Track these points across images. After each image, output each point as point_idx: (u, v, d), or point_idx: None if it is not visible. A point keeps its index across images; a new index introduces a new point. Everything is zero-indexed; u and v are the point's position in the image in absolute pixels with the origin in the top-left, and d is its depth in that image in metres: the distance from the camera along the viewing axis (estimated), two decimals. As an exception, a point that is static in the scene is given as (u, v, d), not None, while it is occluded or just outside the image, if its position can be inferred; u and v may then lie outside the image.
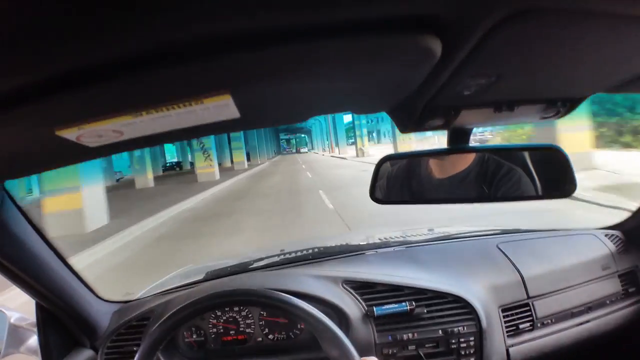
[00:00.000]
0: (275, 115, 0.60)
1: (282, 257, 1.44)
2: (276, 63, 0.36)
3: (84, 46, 0.29)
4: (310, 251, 1.44)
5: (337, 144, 39.85)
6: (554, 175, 0.88)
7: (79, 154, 0.55)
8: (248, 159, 32.83)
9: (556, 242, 1.33)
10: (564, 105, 0.64)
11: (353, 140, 35.83)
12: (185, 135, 0.53)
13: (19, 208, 0.84)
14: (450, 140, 0.84)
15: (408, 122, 0.67)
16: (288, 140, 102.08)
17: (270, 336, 1.12)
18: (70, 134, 0.41)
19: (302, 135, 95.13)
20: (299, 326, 1.12)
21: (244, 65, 0.35)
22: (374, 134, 67.60)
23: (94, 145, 0.47)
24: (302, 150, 76.27)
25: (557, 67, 0.49)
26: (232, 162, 28.58)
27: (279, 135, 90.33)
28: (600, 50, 0.44)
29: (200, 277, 1.36)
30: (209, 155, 18.36)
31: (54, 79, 0.32)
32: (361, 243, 1.55)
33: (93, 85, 0.33)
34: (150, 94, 0.38)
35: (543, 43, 0.40)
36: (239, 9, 0.28)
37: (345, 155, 32.70)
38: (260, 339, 1.12)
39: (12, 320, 1.01)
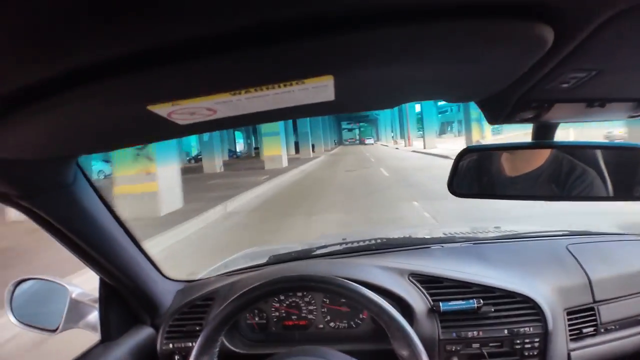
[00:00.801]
0: (367, 100, 0.60)
1: (344, 246, 1.44)
2: (383, 45, 0.35)
3: (187, 20, 0.28)
4: (374, 242, 1.43)
5: (405, 135, 37.10)
6: (633, 177, 0.86)
7: (166, 131, 0.55)
8: (297, 150, 32.10)
9: (626, 246, 1.28)
10: None
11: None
12: (275, 117, 0.53)
13: (92, 184, 0.85)
14: (536, 135, 0.83)
15: (499, 114, 0.65)
16: (351, 130, 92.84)
17: (332, 324, 1.13)
18: (162, 109, 0.41)
19: (367, 125, 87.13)
20: (360, 316, 1.12)
21: (349, 46, 0.34)
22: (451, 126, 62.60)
23: (184, 122, 0.46)
24: (367, 141, 61.81)
25: None
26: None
27: (341, 123, 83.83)
28: None
29: (263, 260, 1.39)
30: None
31: (152, 52, 0.31)
32: (426, 237, 1.53)
33: (193, 61, 0.32)
34: (253, 74, 0.37)
35: None
36: None
37: (434, 149, 22.83)
38: (321, 325, 1.14)
39: (73, 295, 1.04)
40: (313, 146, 31.79)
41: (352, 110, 0.64)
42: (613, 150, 0.91)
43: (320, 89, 0.41)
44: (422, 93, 0.58)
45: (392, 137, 64.80)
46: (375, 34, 0.32)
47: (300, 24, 0.30)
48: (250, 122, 0.55)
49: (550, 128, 0.82)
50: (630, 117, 0.70)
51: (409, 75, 0.45)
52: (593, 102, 0.61)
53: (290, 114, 0.53)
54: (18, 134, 0.44)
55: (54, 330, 1.03)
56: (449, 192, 0.96)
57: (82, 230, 0.86)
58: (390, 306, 0.86)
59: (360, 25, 0.31)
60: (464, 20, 0.32)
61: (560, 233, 1.40)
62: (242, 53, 0.32)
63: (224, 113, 0.45)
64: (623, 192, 0.87)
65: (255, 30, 0.30)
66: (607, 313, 1.10)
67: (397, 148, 35.95)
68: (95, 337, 1.04)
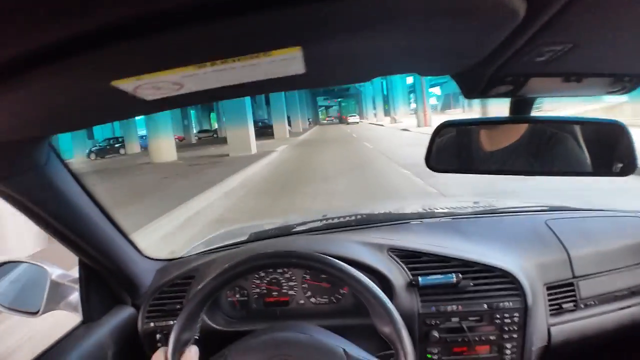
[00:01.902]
0: (339, 73, 0.58)
1: (324, 222, 1.45)
2: (352, 15, 0.34)
3: None
4: (354, 217, 1.43)
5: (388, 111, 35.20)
6: (612, 153, 0.85)
7: (133, 107, 0.55)
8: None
9: (604, 223, 1.30)
10: (631, 80, 0.64)
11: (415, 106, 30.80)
12: (245, 91, 0.53)
13: (65, 164, 0.84)
14: (513, 110, 0.83)
15: (474, 88, 0.65)
16: (329, 107, 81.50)
17: (313, 299, 1.14)
18: (127, 85, 0.40)
19: (348, 100, 76.75)
20: (341, 291, 1.13)
21: (318, 16, 0.33)
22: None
23: (150, 98, 0.45)
24: (351, 119, 48.02)
25: (633, 40, 0.49)
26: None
27: (316, 99, 71.24)
28: None
29: (244, 238, 1.38)
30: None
31: (114, 27, 0.30)
32: (405, 212, 1.54)
33: (157, 34, 0.31)
34: (219, 45, 0.36)
35: (624, 13, 0.41)
36: None
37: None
38: (302, 301, 1.15)
39: (53, 277, 1.03)
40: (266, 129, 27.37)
41: (324, 84, 0.64)
42: (591, 126, 0.91)
43: (289, 61, 0.41)
44: (395, 66, 0.58)
45: (373, 113, 57.88)
46: (343, 3, 0.31)
47: None
48: (219, 97, 0.54)
49: (527, 103, 0.82)
50: (608, 93, 0.70)
51: (381, 47, 0.44)
52: (569, 76, 0.61)
53: (261, 88, 0.52)
54: None
55: (36, 313, 1.03)
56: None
57: (58, 212, 0.85)
58: (370, 281, 0.87)
59: None
60: None
61: (540, 208, 1.41)
62: (206, 25, 0.31)
63: (191, 87, 0.44)
64: (602, 168, 0.88)
65: (219, 0, 0.30)
66: (586, 288, 1.12)
67: (381, 124, 33.94)
68: (77, 318, 1.04)
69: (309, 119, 52.77)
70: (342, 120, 58.78)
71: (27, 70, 0.34)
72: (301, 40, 0.37)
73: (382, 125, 33.21)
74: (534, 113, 0.83)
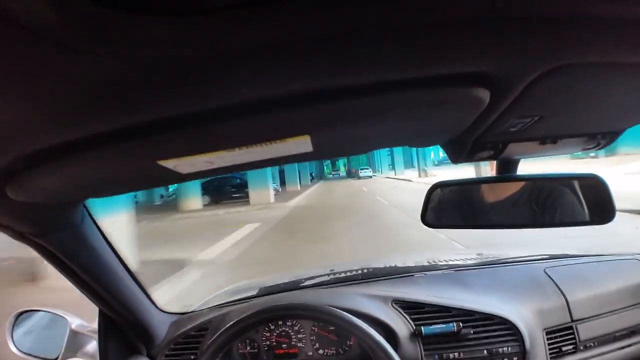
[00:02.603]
0: (342, 149, 0.70)
1: (332, 276, 1.49)
2: (351, 112, 0.44)
3: (193, 94, 0.36)
4: (360, 272, 1.48)
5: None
6: (594, 202, 0.92)
7: (169, 178, 0.62)
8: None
9: (601, 267, 1.32)
10: (604, 137, 0.70)
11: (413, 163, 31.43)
12: (261, 164, 0.61)
13: (96, 223, 0.91)
14: (499, 170, 0.91)
15: (459, 155, 0.72)
16: (334, 162, 71.48)
17: (321, 351, 1.16)
18: (169, 164, 0.50)
19: None
20: (348, 343, 1.15)
21: (323, 114, 0.43)
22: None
23: (186, 172, 0.55)
24: (362, 172, 40.36)
25: (594, 108, 0.55)
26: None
27: None
28: (630, 93, 0.51)
29: (254, 293, 1.42)
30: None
31: (164, 120, 0.39)
32: (409, 265, 1.57)
33: (197, 127, 0.41)
34: (244, 136, 0.46)
35: (579, 90, 0.47)
36: (321, 72, 0.35)
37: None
38: (310, 353, 1.16)
39: (73, 326, 1.08)
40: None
41: (330, 157, 0.73)
42: (573, 180, 0.96)
43: (300, 144, 0.50)
44: (389, 142, 0.67)
45: (389, 166, 45.26)
46: (338, 105, 0.41)
47: (281, 98, 0.39)
48: (240, 169, 0.62)
49: (512, 162, 0.89)
50: (585, 150, 0.76)
51: (375, 131, 0.54)
52: (545, 139, 0.68)
53: (274, 162, 0.61)
54: (40, 183, 0.51)
55: None
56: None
57: (87, 266, 0.91)
58: (374, 331, 0.91)
59: (329, 99, 0.39)
60: (412, 90, 0.40)
61: (539, 257, 1.44)
62: (234, 121, 0.41)
63: (220, 164, 0.54)
64: (595, 216, 0.92)
65: (246, 104, 0.39)
66: (585, 331, 1.14)
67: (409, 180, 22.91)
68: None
69: (311, 174, 45.03)
70: (351, 174, 52.66)
71: (83, 151, 0.43)
72: (310, 131, 0.47)
73: (409, 181, 22.55)
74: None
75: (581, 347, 1.12)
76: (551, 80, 0.41)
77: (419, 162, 25.71)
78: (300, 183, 27.94)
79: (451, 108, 0.47)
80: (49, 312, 1.14)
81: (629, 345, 1.15)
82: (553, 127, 0.61)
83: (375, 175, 41.08)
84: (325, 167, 67.56)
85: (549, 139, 0.68)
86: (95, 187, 0.63)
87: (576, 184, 0.96)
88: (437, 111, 0.47)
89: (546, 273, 1.26)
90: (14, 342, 1.10)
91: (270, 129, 0.45)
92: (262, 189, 17.18)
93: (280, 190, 23.76)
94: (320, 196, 19.77)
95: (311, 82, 0.37)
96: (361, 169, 42.45)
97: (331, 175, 64.77)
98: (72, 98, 0.34)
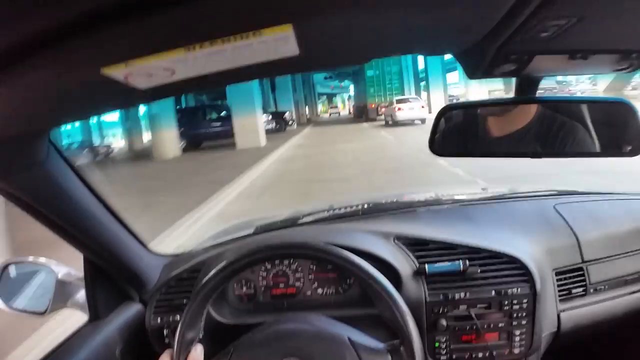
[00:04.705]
0: (336, 55, 0.57)
1: (331, 212, 1.44)
2: None
3: None
4: (360, 207, 1.42)
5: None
6: (620, 133, 0.86)
7: (127, 97, 0.55)
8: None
9: (614, 206, 1.28)
10: (639, 57, 0.62)
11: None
12: (237, 77, 0.52)
13: (66, 160, 0.83)
14: (518, 90, 0.82)
15: (478, 67, 0.63)
16: (331, 96, 50.79)
17: (319, 290, 1.14)
18: (117, 72, 0.40)
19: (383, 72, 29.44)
20: (348, 281, 1.13)
21: None
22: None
23: (143, 86, 0.45)
24: (402, 112, 17.33)
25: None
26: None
27: (313, 83, 43.09)
28: None
29: (250, 231, 1.38)
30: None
31: (99, 12, 0.31)
32: (412, 200, 1.52)
33: (141, 17, 0.32)
34: (205, 25, 0.36)
35: None
36: None
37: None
38: (309, 292, 1.14)
39: (59, 276, 1.03)
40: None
41: (321, 67, 0.62)
42: (599, 105, 0.90)
43: (281, 41, 0.40)
44: (394, 45, 0.57)
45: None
46: None
47: None
48: (213, 84, 0.53)
49: (533, 82, 0.81)
50: (615, 71, 0.69)
51: (379, 25, 0.43)
52: (575, 53, 0.60)
53: (254, 73, 0.52)
54: None
55: (43, 313, 1.03)
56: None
57: (61, 208, 0.84)
58: (374, 269, 0.87)
59: None
60: None
61: (548, 193, 1.40)
62: (190, 3, 0.31)
63: (183, 73, 0.44)
64: (612, 148, 0.88)
65: None
66: (596, 273, 1.11)
67: None
68: (85, 315, 1.04)
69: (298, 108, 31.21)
70: (363, 111, 26.88)
71: (16, 62, 0.34)
72: (292, 17, 0.36)
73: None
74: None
75: (591, 290, 1.10)
76: None
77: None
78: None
79: None
80: (33, 262, 1.08)
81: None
82: (588, 36, 0.53)
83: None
84: (317, 99, 42.66)
85: (579, 54, 0.60)
86: (44, 112, 0.55)
87: (600, 110, 0.89)
88: None
89: (556, 209, 1.22)
90: (0, 298, 1.04)
91: (238, 12, 0.34)
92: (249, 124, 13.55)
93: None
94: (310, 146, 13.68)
95: None
96: (399, 99, 19.19)
97: (327, 115, 44.36)
98: None
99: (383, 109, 20.89)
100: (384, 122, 19.44)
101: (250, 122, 13.82)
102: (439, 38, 0.55)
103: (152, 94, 0.51)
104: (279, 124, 20.00)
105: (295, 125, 22.36)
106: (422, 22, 0.45)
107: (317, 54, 0.51)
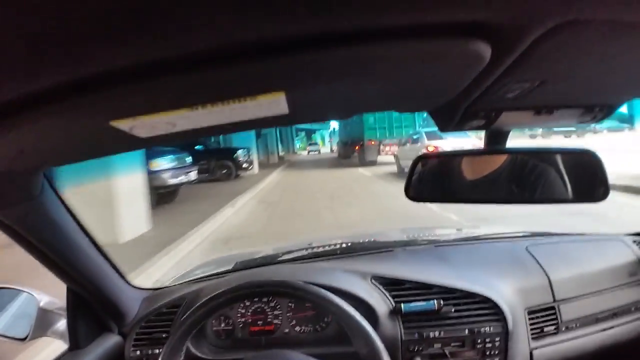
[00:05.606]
0: (321, 112, 0.62)
1: (309, 250, 1.45)
2: (331, 64, 0.37)
3: (146, 42, 0.30)
4: (338, 246, 1.45)
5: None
6: (586, 180, 0.89)
7: (128, 143, 0.58)
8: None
9: (585, 247, 1.31)
10: (602, 110, 0.66)
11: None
12: (232, 129, 0.55)
13: (58, 195, 0.86)
14: (488, 141, 0.85)
15: (449, 122, 0.68)
16: (310, 133, 49.66)
17: (297, 328, 1.14)
18: (124, 125, 0.43)
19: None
20: (325, 320, 1.13)
21: (301, 66, 0.37)
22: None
23: (144, 135, 0.49)
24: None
25: (598, 74, 0.51)
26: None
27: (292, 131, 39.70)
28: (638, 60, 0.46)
29: (229, 267, 1.39)
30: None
31: (114, 72, 0.33)
32: (389, 240, 1.54)
33: (152, 80, 0.35)
34: (209, 91, 0.40)
35: (587, 51, 0.42)
36: (296, 13, 0.29)
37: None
38: (287, 330, 1.14)
39: (41, 304, 1.04)
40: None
41: (308, 121, 0.67)
42: (564, 155, 0.93)
43: (273, 103, 0.44)
44: (373, 105, 0.62)
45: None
46: (320, 55, 0.35)
47: (251, 46, 0.33)
48: (208, 134, 0.57)
49: (502, 134, 0.85)
50: (580, 123, 0.72)
51: (358, 90, 0.48)
52: (540, 109, 0.64)
53: (247, 126, 0.55)
54: None
55: (24, 339, 1.03)
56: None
57: (50, 241, 0.87)
58: (350, 307, 0.89)
59: (308, 47, 0.33)
60: (404, 41, 0.34)
61: (521, 234, 1.43)
62: (197, 73, 0.35)
63: (183, 126, 0.48)
64: (581, 194, 0.90)
65: (210, 52, 0.33)
66: (567, 312, 1.13)
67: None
68: (64, 345, 1.04)
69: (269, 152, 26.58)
70: (350, 150, 19.14)
71: (30, 110, 0.38)
72: (284, 87, 0.40)
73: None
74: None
75: (563, 328, 1.12)
76: (560, 37, 0.37)
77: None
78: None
79: (448, 64, 0.41)
80: (16, 289, 1.09)
81: (611, 328, 1.15)
82: (552, 95, 0.57)
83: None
84: (295, 138, 40.99)
85: (545, 109, 0.64)
86: (48, 154, 0.58)
87: (567, 160, 0.92)
88: (432, 67, 0.42)
89: (528, 251, 1.25)
90: None
91: (238, 82, 0.38)
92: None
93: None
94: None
95: (286, 25, 0.31)
96: (430, 133, 10.69)
97: (305, 153, 41.90)
98: (11, 50, 0.29)
99: (388, 148, 15.74)
100: (395, 169, 12.68)
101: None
102: (412, 99, 0.59)
103: (151, 141, 0.54)
104: (224, 169, 12.92)
105: (256, 169, 15.68)
106: (397, 87, 0.50)
107: (304, 112, 0.56)
